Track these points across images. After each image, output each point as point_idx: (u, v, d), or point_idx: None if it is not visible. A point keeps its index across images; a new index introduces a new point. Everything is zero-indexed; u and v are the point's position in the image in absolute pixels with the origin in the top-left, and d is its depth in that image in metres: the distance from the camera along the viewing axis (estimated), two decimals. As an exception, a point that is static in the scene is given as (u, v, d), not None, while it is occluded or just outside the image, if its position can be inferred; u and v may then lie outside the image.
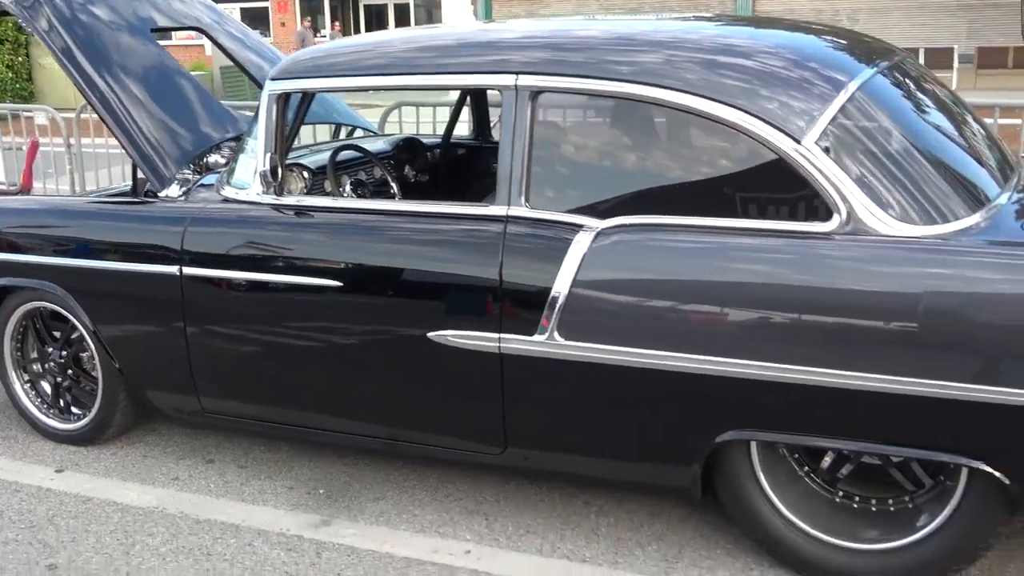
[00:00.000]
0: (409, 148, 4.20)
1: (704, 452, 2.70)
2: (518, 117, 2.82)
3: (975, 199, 2.63)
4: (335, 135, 4.89)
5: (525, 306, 2.74)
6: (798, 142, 2.54)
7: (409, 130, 6.54)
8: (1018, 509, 2.50)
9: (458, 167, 4.45)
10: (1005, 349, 2.35)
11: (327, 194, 3.47)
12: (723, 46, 2.80)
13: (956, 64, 16.04)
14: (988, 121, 4.54)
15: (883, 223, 2.50)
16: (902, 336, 2.41)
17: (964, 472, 2.53)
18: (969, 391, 2.36)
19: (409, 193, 3.91)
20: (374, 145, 4.13)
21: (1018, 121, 5.57)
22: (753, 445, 2.72)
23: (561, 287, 2.69)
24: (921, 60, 10.18)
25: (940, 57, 15.55)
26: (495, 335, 2.79)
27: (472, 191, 4.00)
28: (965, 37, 17.57)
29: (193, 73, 5.27)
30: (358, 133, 4.73)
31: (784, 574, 2.78)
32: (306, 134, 4.68)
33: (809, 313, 2.48)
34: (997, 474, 2.42)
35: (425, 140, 4.48)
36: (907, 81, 3.00)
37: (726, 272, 2.58)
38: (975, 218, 2.55)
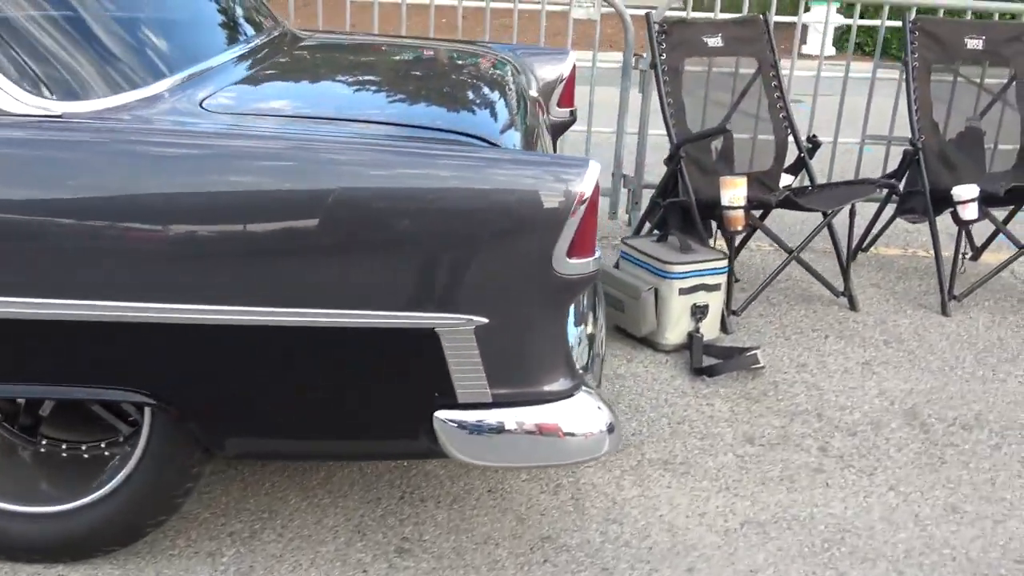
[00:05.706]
0: None
1: None
2: None
3: (156, 68, 2.03)
4: None
5: None
6: None
7: None
8: (208, 449, 2.02)
9: None
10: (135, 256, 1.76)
11: None
12: None
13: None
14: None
15: (14, 99, 1.79)
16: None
17: (148, 411, 2.00)
18: (112, 310, 1.79)
19: None
20: None
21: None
22: None
23: None
24: None
25: None
26: None
27: None
28: None
29: None
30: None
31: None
32: None
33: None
34: (170, 409, 1.91)
35: None
36: None
37: None
38: (155, 88, 1.95)
